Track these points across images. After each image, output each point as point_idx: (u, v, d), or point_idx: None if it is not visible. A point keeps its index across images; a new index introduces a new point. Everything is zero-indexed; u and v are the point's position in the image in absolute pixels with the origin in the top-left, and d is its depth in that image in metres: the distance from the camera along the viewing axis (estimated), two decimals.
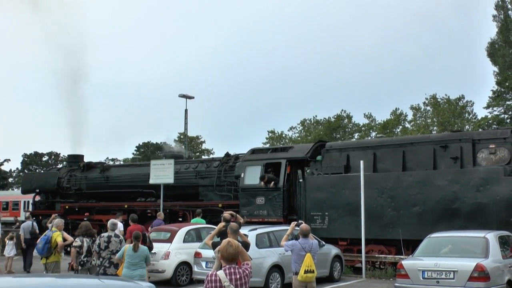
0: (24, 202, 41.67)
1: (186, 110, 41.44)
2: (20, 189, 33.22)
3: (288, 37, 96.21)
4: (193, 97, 40.80)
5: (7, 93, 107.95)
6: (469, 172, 16.47)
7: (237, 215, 13.41)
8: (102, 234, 12.12)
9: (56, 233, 12.63)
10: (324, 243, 15.93)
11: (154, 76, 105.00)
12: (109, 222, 12.51)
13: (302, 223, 11.19)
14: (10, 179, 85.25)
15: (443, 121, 51.26)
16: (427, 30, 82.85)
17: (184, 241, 16.03)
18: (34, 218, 28.28)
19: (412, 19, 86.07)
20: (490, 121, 45.53)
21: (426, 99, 54.22)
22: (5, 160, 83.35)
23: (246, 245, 9.84)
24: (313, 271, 9.95)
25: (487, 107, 46.79)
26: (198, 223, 17.99)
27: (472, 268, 10.47)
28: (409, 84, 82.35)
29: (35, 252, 18.22)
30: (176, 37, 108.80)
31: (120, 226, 18.78)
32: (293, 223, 11.36)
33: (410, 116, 56.82)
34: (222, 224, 10.43)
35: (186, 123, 42.05)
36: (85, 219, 23.13)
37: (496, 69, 44.43)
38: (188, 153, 43.28)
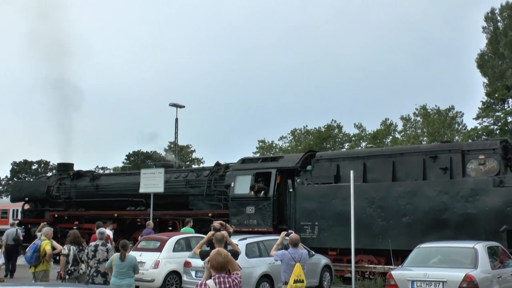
0: (13, 210, 41.41)
1: (176, 119, 41.38)
2: (9, 197, 33.02)
3: (279, 47, 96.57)
4: (183, 106, 40.74)
5: None
6: (458, 183, 16.55)
7: (227, 224, 13.43)
8: (90, 244, 12.09)
9: (45, 242, 12.56)
10: (313, 252, 15.93)
11: (144, 84, 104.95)
12: (97, 231, 12.48)
13: (292, 232, 11.20)
14: (0, 187, 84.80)
15: (433, 131, 51.51)
16: (418, 41, 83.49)
17: (174, 250, 15.98)
18: (23, 226, 28.25)
19: (402, 30, 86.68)
20: (480, 132, 45.80)
21: (416, 109, 54.52)
22: None
23: (236, 254, 9.83)
24: (302, 281, 9.97)
25: (477, 118, 47.10)
26: (187, 232, 17.94)
27: (461, 278, 10.50)
28: (399, 95, 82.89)
29: (23, 261, 18.16)
30: (167, 45, 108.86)
31: (110, 234, 18.73)
32: (283, 233, 11.37)
33: (400, 127, 57.07)
34: (211, 233, 10.44)
35: (176, 132, 41.96)
36: (74, 227, 23.01)
37: (485, 80, 44.85)
38: (178, 162, 43.20)
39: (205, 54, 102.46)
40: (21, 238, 20.06)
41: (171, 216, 22.80)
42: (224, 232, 10.19)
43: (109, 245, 11.64)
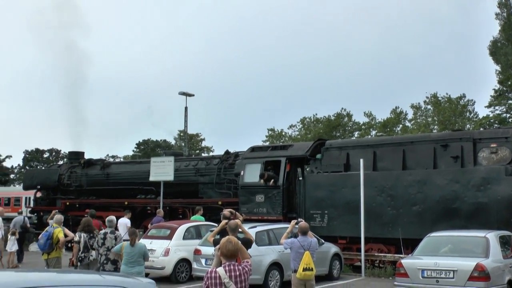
0: (26, 198, 41.74)
1: (186, 108, 41.42)
2: (22, 185, 33.27)
3: (289, 35, 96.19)
4: (193, 95, 40.77)
5: (8, 90, 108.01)
6: (469, 172, 16.48)
7: (237, 212, 13.42)
8: (100, 231, 12.18)
9: (58, 229, 12.66)
10: (323, 241, 15.95)
11: (154, 73, 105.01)
12: (106, 219, 12.55)
13: (302, 221, 11.19)
14: (12, 176, 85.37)
15: (444, 120, 51.23)
16: (428, 28, 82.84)
17: (184, 238, 16.06)
18: (35, 214, 28.51)
19: (412, 17, 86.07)
20: (492, 120, 45.54)
21: (427, 97, 54.20)
22: (6, 157, 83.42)
23: (249, 242, 9.85)
24: (311, 269, 9.96)
25: (489, 106, 46.80)
26: (197, 220, 18.01)
27: (472, 267, 10.47)
28: (410, 83, 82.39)
29: (36, 248, 18.34)
30: (175, 34, 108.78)
31: (128, 222, 18.92)
32: (293, 221, 11.37)
33: (410, 115, 56.81)
34: (224, 221, 10.45)
35: (186, 121, 42.02)
36: (85, 215, 23.15)
37: (498, 67, 44.40)
38: (188, 151, 43.30)
39: (215, 43, 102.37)
40: (28, 225, 20.64)
41: (181, 204, 22.88)
42: (237, 221, 10.21)
43: (117, 232, 11.69)
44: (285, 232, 11.24)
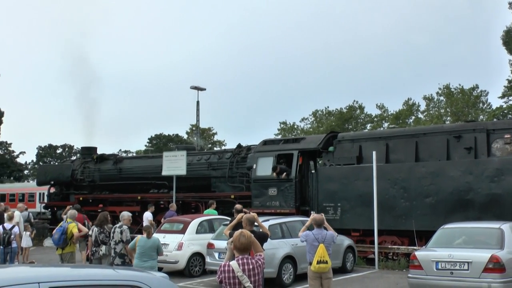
0: (40, 193, 41.97)
1: (198, 102, 41.48)
2: (35, 181, 33.49)
3: (300, 27, 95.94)
4: (204, 89, 40.82)
5: (21, 87, 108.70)
6: (483, 163, 16.36)
7: (244, 209, 13.63)
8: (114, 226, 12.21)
9: (72, 224, 12.74)
10: (337, 234, 15.91)
11: (165, 67, 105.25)
12: (120, 214, 12.57)
13: (321, 214, 11.12)
14: (26, 171, 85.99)
15: (457, 111, 50.97)
16: (440, 19, 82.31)
17: (197, 232, 16.09)
18: (49, 209, 28.77)
19: (424, 8, 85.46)
20: (505, 111, 45.18)
21: (439, 89, 53.95)
22: (20, 153, 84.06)
23: (265, 236, 9.84)
24: (326, 262, 9.90)
25: (502, 96, 46.45)
26: (210, 214, 18.05)
27: (487, 259, 10.37)
28: (422, 74, 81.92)
29: (50, 243, 18.48)
30: (186, 28, 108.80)
31: (150, 216, 19.03)
32: (314, 215, 11.28)
33: (423, 107, 56.59)
34: (240, 215, 10.46)
35: (198, 115, 42.08)
36: (99, 210, 23.29)
37: (511, 57, 44.00)
38: (201, 145, 43.38)
39: (226, 37, 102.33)
40: (32, 220, 21.08)
41: (194, 198, 22.93)
42: (254, 214, 10.21)
43: (124, 226, 11.68)
44: (303, 226, 11.21)
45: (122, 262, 11.40)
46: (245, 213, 11.51)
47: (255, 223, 10.06)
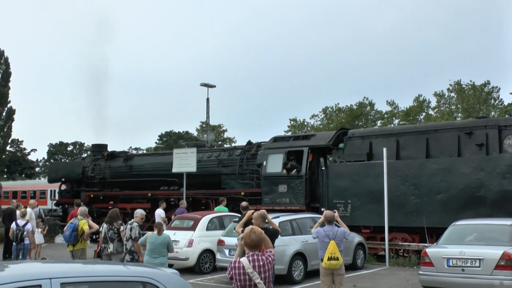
0: (51, 191, 42.22)
1: (207, 99, 41.48)
2: (47, 178, 33.65)
3: (309, 25, 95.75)
4: (214, 86, 40.80)
5: (33, 85, 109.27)
6: (495, 159, 16.26)
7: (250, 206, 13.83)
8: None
9: (82, 221, 12.79)
10: (349, 231, 15.88)
11: (175, 65, 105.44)
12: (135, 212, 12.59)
13: (335, 211, 11.09)
14: (37, 169, 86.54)
15: (468, 107, 50.70)
16: (451, 15, 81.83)
17: (207, 229, 16.11)
18: (60, 206, 28.91)
19: (434, 4, 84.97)
20: None
21: (450, 85, 53.68)
22: (32, 150, 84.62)
23: (276, 232, 9.83)
24: (337, 258, 9.87)
25: None
26: (221, 211, 18.07)
27: (499, 256, 10.31)
28: (432, 70, 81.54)
29: (61, 240, 18.59)
30: (196, 24, 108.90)
31: (162, 213, 19.11)
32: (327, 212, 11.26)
33: (433, 103, 56.32)
34: (251, 211, 10.47)
35: (208, 112, 42.08)
36: (109, 207, 23.37)
37: None
38: (211, 142, 43.39)
39: (236, 34, 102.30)
40: (43, 216, 21.55)
41: (204, 195, 22.96)
42: (264, 211, 10.20)
43: (134, 223, 11.72)
44: (315, 223, 11.20)
45: (131, 259, 11.43)
46: (250, 209, 11.60)
47: (266, 220, 10.05)
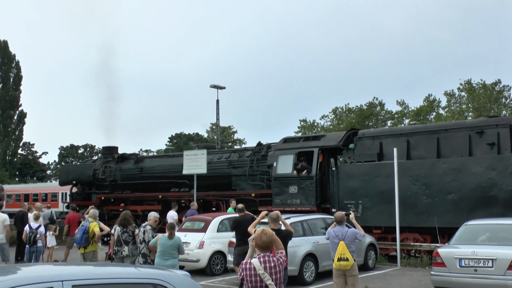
0: (62, 193, 42.40)
1: (217, 101, 41.58)
2: (58, 181, 33.80)
3: (318, 25, 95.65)
4: (224, 88, 40.88)
5: (44, 89, 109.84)
6: (506, 158, 16.16)
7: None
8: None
9: (93, 224, 12.82)
10: (364, 233, 15.81)
11: (185, 67, 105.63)
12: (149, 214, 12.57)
13: (350, 213, 11.04)
14: (48, 171, 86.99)
15: (479, 106, 50.41)
16: (461, 14, 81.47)
17: (218, 230, 16.11)
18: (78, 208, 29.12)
19: (444, 2, 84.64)
20: None
21: (461, 84, 53.40)
22: (43, 153, 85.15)
23: (289, 234, 9.81)
24: (347, 259, 9.83)
25: None
26: (232, 212, 18.06)
27: None
28: (443, 70, 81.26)
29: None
30: (204, 26, 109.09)
31: (174, 215, 19.16)
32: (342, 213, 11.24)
33: (444, 103, 56.06)
34: (264, 212, 10.46)
35: (218, 113, 42.17)
36: (120, 209, 23.44)
37: None
38: (220, 143, 43.45)
39: (245, 35, 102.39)
40: (55, 218, 21.73)
41: (215, 196, 22.98)
42: (278, 212, 10.18)
43: (147, 226, 11.73)
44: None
45: (144, 262, 11.44)
46: (242, 210, 11.71)
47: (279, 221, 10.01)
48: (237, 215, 14.77)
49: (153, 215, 12.17)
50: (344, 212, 11.04)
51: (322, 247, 14.10)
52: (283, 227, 10.00)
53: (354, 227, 10.52)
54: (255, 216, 13.50)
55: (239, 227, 12.86)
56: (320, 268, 14.18)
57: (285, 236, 9.27)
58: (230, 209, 18.88)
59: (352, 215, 10.87)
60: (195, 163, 21.95)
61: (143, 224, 11.94)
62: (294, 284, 13.34)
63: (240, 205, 13.74)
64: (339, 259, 9.89)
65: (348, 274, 10.00)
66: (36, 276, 4.74)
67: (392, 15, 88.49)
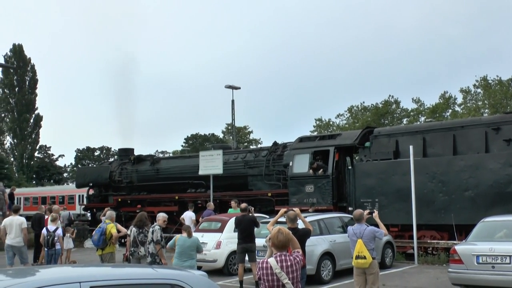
0: (79, 196, 42.70)
1: (232, 101, 41.57)
2: (75, 183, 34.03)
3: (333, 23, 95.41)
4: (239, 88, 40.89)
5: (60, 91, 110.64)
6: None
7: (250, 207, 14.13)
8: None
9: (110, 225, 12.89)
10: (386, 232, 15.75)
11: (200, 67, 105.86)
12: (157, 215, 12.65)
13: (374, 211, 10.99)
14: (65, 174, 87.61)
15: (495, 103, 50.01)
16: (475, 9, 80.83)
17: (235, 230, 16.10)
18: (89, 211, 29.28)
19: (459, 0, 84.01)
20: None
21: (477, 81, 53.04)
22: (59, 156, 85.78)
23: (307, 232, 9.79)
24: (364, 257, 9.81)
25: None
26: (232, 214, 18.05)
27: None
28: (458, 67, 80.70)
29: (90, 244, 18.79)
30: (219, 27, 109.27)
31: (192, 215, 19.23)
32: (366, 211, 11.22)
33: (460, 99, 55.70)
34: (283, 210, 10.46)
35: (233, 114, 42.17)
36: (137, 211, 23.54)
37: None
38: (236, 144, 43.47)
39: (259, 35, 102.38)
40: (73, 219, 22.52)
41: (231, 197, 22.98)
42: (297, 210, 10.16)
43: (156, 227, 11.80)
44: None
45: (152, 262, 11.51)
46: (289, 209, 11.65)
47: (297, 219, 9.98)
48: (258, 214, 14.98)
49: (161, 215, 12.28)
50: (362, 210, 11.01)
51: (339, 245, 14.09)
52: (302, 225, 10.00)
53: (378, 226, 10.47)
54: (255, 216, 13.77)
55: (240, 226, 13.28)
56: (337, 266, 14.17)
57: (302, 235, 9.27)
58: (230, 210, 18.81)
59: (376, 214, 10.85)
60: (211, 163, 21.99)
61: (152, 225, 12.00)
62: (311, 283, 13.33)
63: (244, 205, 13.98)
64: (357, 257, 9.89)
65: (367, 272, 9.97)
66: (54, 278, 4.80)
67: (406, 12, 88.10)
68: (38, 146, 75.32)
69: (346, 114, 62.82)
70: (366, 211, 10.98)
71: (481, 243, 11.07)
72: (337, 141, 20.12)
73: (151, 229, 11.79)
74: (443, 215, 16.97)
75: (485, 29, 79.32)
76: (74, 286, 4.62)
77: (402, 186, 17.55)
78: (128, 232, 12.84)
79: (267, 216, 16.69)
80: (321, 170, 19.54)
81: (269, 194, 21.15)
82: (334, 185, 19.36)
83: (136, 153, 29.50)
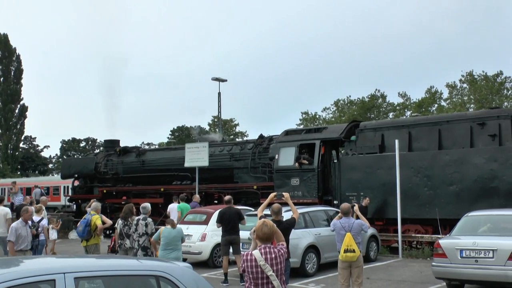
0: (64, 187, 42.44)
1: (219, 93, 41.49)
2: (60, 174, 33.84)
3: (319, 16, 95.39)
4: (226, 80, 40.80)
5: (45, 82, 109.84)
6: (508, 150, 16.16)
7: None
8: (136, 218, 12.22)
9: (95, 216, 12.83)
10: (369, 225, 15.84)
11: (187, 59, 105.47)
12: (140, 206, 12.58)
13: (355, 205, 11.04)
14: (50, 165, 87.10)
15: (481, 98, 50.30)
16: (463, 4, 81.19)
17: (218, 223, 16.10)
18: (74, 202, 29.10)
19: None
20: None
21: (463, 76, 53.29)
22: (45, 147, 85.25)
23: (291, 224, 9.74)
24: (353, 251, 9.83)
25: None
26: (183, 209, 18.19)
27: None
28: (444, 62, 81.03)
29: (75, 235, 18.70)
30: (205, 19, 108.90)
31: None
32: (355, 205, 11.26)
33: (446, 94, 55.96)
34: (273, 194, 10.44)
35: (219, 106, 42.10)
36: (122, 202, 23.49)
37: None
38: (222, 136, 43.39)
39: (247, 28, 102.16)
40: (44, 194, 21.84)
41: (217, 189, 23.00)
42: (286, 195, 10.16)
43: (149, 219, 11.76)
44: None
45: (145, 255, 11.47)
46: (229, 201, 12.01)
47: (282, 212, 9.98)
48: (243, 207, 14.89)
49: (149, 206, 12.20)
50: (349, 204, 11.07)
51: (324, 239, 14.14)
52: (290, 214, 10.00)
53: (358, 218, 10.52)
54: (239, 209, 13.78)
55: (224, 218, 13.21)
56: (322, 260, 14.22)
57: (285, 228, 9.28)
58: (180, 205, 18.72)
59: (356, 207, 10.91)
60: (197, 156, 21.96)
61: (142, 217, 11.87)
62: (296, 276, 13.37)
63: (227, 197, 14.02)
64: (346, 251, 9.87)
65: (353, 265, 10.00)
66: (38, 269, 4.77)
67: (394, 7, 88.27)
68: (23, 136, 74.72)
69: (333, 108, 62.93)
70: (349, 205, 11.04)
71: (464, 237, 11.15)
72: (323, 135, 20.16)
73: (143, 222, 11.71)
74: (427, 209, 17.08)
75: (472, 25, 79.81)
76: (58, 276, 4.59)
77: (388, 180, 17.65)
78: (116, 224, 12.81)
79: (252, 209, 16.68)
80: (307, 163, 19.54)
81: (255, 187, 21.17)
82: (319, 179, 19.41)
83: (122, 144, 29.42)
